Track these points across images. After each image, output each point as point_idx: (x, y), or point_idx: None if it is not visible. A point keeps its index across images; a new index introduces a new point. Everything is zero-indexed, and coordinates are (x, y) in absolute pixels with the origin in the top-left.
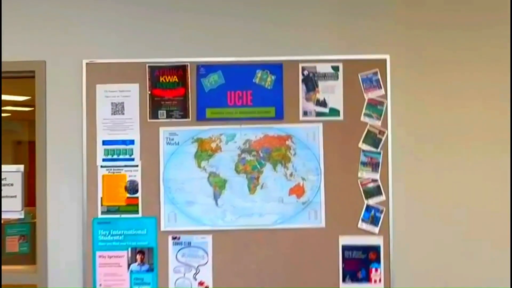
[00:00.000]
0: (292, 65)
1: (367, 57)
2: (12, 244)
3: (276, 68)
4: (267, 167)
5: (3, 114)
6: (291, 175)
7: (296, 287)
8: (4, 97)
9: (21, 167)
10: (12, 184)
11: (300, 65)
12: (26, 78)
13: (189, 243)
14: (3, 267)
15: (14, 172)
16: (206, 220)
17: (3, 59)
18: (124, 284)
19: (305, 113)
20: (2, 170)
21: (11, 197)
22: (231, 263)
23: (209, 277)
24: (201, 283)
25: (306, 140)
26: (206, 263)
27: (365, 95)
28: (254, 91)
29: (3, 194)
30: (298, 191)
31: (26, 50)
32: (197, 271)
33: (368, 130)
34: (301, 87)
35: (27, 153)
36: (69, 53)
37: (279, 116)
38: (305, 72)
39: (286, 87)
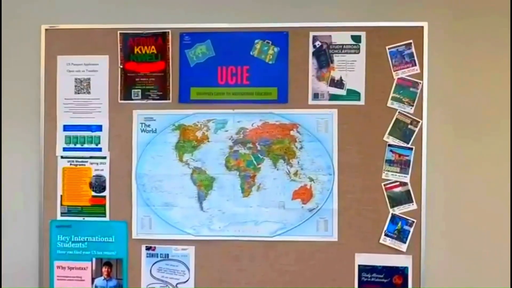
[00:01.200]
0: (300, 34)
1: (398, 25)
2: None
3: (279, 38)
4: (266, 164)
5: None
6: (295, 174)
7: None
8: None
9: None
10: None
11: (311, 34)
12: None
13: (167, 255)
14: None
15: None
16: (188, 228)
17: None
18: None
19: (315, 96)
20: None
21: None
22: (217, 282)
23: None
24: None
25: (316, 130)
26: (187, 280)
27: (394, 73)
28: (251, 66)
29: None
30: (304, 194)
31: None
32: None
33: (397, 119)
34: (311, 63)
35: None
36: (25, 16)
37: (282, 99)
38: (317, 43)
39: (292, 62)
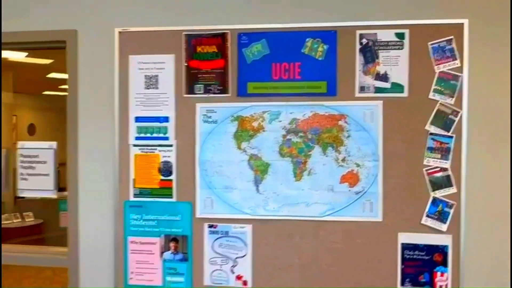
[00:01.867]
0: (348, 32)
1: (440, 22)
2: (66, 219)
3: (329, 36)
4: (316, 151)
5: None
6: (343, 160)
7: None
8: (59, 75)
9: (53, 144)
10: (45, 162)
11: (358, 32)
12: (57, 49)
13: (227, 233)
14: (37, 248)
15: (46, 149)
16: (246, 208)
17: (33, 28)
18: (157, 273)
19: (362, 89)
20: (35, 147)
21: (44, 175)
22: (272, 257)
23: (247, 271)
24: (239, 277)
25: (362, 120)
26: (245, 255)
27: (435, 67)
28: (302, 62)
29: (36, 171)
30: (351, 179)
31: (57, 19)
32: (235, 263)
33: (438, 110)
34: (358, 58)
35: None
36: (101, 21)
37: (331, 92)
38: (364, 41)
39: (340, 58)
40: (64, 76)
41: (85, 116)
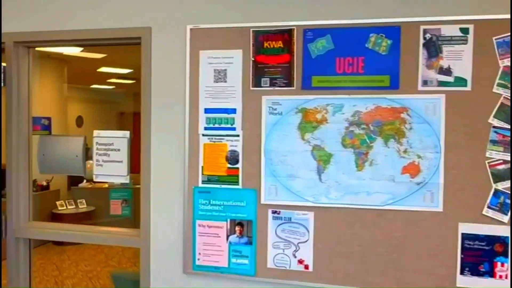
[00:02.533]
0: (412, 27)
1: (505, 17)
2: (116, 207)
3: (393, 32)
4: (378, 142)
5: (109, 87)
6: (405, 151)
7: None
8: (108, 69)
9: (127, 133)
10: (118, 150)
11: (422, 28)
12: (132, 45)
13: (290, 219)
14: (109, 229)
15: (120, 138)
16: (309, 196)
17: (110, 26)
18: (223, 255)
19: (425, 83)
20: (111, 135)
21: (118, 162)
22: (333, 243)
23: (309, 256)
24: (300, 261)
25: (424, 113)
26: (307, 240)
27: (500, 62)
28: (366, 57)
29: (111, 158)
30: (412, 169)
31: (132, 17)
32: (297, 248)
33: (502, 103)
34: (422, 53)
35: (131, 123)
36: (174, 18)
37: (394, 86)
38: (427, 36)
39: (404, 52)
40: (114, 70)
41: (157, 108)
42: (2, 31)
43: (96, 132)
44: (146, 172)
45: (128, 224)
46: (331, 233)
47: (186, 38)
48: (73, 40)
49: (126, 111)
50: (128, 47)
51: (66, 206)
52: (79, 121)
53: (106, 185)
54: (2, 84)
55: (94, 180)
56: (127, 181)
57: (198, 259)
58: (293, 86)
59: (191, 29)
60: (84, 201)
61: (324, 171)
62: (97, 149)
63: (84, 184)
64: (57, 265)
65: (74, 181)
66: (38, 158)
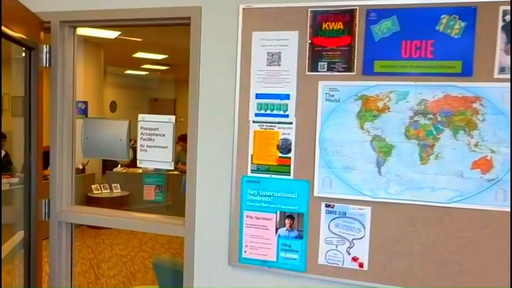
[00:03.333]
0: (489, 8)
1: None
2: (149, 193)
3: (467, 13)
4: (446, 134)
5: (143, 72)
6: (476, 145)
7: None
8: (144, 55)
9: (172, 118)
10: (163, 135)
11: (501, 8)
12: (181, 26)
13: (344, 213)
14: (153, 216)
15: (166, 122)
16: (366, 190)
17: (158, 5)
18: (271, 248)
19: (502, 70)
20: (156, 120)
21: (163, 147)
22: (391, 241)
23: (364, 253)
24: (354, 259)
25: (500, 103)
26: (362, 237)
27: None
28: (436, 40)
29: (156, 143)
30: (484, 165)
31: None
32: (351, 245)
33: None
34: (500, 37)
35: (164, 109)
36: None
37: (466, 72)
38: (507, 18)
39: (479, 36)
40: (150, 55)
41: (205, 91)
42: (48, 10)
43: (140, 116)
44: (192, 159)
45: (161, 209)
46: (390, 230)
47: (238, 18)
48: (119, 19)
49: (159, 97)
50: (164, 32)
51: (101, 190)
52: (113, 106)
53: (140, 171)
54: (47, 65)
55: (138, 165)
56: (172, 167)
57: (245, 252)
58: (353, 71)
59: (243, 8)
60: (118, 185)
61: (384, 163)
62: (142, 133)
63: (118, 168)
64: (92, 248)
65: (109, 165)
66: (82, 142)
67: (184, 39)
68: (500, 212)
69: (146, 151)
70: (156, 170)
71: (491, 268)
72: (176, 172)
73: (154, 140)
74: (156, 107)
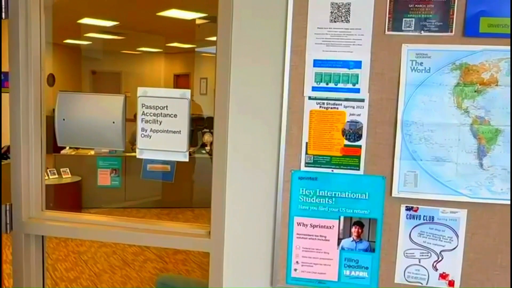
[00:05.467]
0: None
1: None
2: (104, 178)
3: None
4: None
5: (85, 42)
6: None
7: None
8: (89, 21)
9: (187, 92)
10: (175, 115)
11: None
12: None
13: (432, 218)
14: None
15: (178, 98)
16: (463, 188)
17: None
18: (331, 265)
19: None
20: (164, 95)
21: (174, 132)
22: (492, 252)
23: (456, 269)
24: (443, 276)
25: None
26: (455, 248)
27: None
28: None
29: (164, 127)
30: None
31: None
32: (440, 258)
33: None
34: None
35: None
36: None
37: None
38: None
39: None
40: (98, 22)
41: (240, 56)
42: None
43: (141, 90)
44: (220, 150)
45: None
46: (490, 239)
47: None
48: None
49: (102, 70)
50: None
51: (48, 175)
52: (50, 80)
53: (92, 152)
54: (3, 16)
55: (138, 156)
56: (186, 159)
57: (295, 270)
58: (451, 32)
59: None
60: (68, 170)
61: (487, 153)
62: (144, 113)
63: (67, 150)
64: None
65: (55, 146)
66: (56, 125)
67: (139, 3)
68: None
69: (150, 137)
70: (111, 152)
71: None
72: (133, 154)
73: (161, 122)
74: (96, 80)
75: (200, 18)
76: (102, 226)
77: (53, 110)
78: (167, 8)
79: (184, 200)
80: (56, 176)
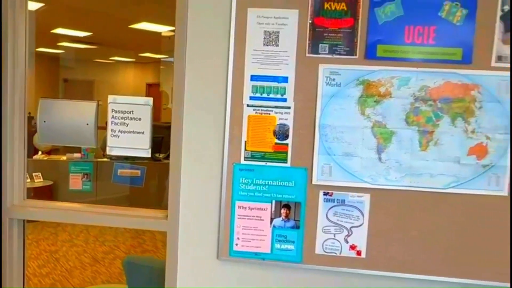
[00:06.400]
0: None
1: None
2: (76, 182)
3: (469, 1)
4: (445, 121)
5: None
6: (472, 132)
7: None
8: (62, 31)
9: (149, 100)
10: (140, 119)
11: None
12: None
13: (343, 201)
14: (130, 210)
15: (142, 105)
16: (366, 177)
17: None
18: (265, 240)
19: (499, 59)
20: (130, 102)
21: (139, 133)
22: (389, 228)
23: (362, 241)
24: (352, 247)
25: (497, 91)
26: (361, 225)
27: None
28: (438, 27)
29: (130, 128)
30: (479, 151)
31: None
32: (350, 233)
33: None
34: (498, 26)
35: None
36: None
37: (466, 60)
38: (506, 8)
39: (479, 24)
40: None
41: (193, 72)
42: None
43: (111, 98)
44: (176, 147)
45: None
46: (388, 217)
47: None
48: None
49: (74, 78)
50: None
51: None
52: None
53: (64, 158)
54: None
55: (108, 153)
56: (149, 155)
57: (236, 244)
58: (356, 55)
59: None
60: (40, 174)
61: (384, 150)
62: (113, 117)
63: (39, 156)
64: None
65: (28, 152)
66: (38, 126)
67: (112, 16)
68: (493, 197)
69: (118, 137)
70: (83, 157)
71: (486, 250)
72: (105, 159)
73: (128, 124)
74: (69, 89)
75: (169, 31)
76: (76, 211)
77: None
78: (139, 21)
79: (155, 204)
80: (28, 180)
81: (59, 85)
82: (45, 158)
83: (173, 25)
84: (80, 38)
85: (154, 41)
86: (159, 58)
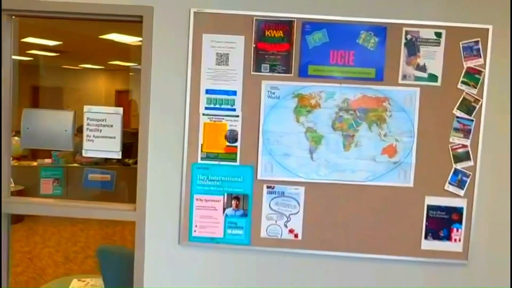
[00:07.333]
0: (396, 28)
1: (471, 26)
2: (47, 187)
3: (380, 31)
4: (363, 127)
5: (26, 58)
6: (385, 135)
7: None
8: (32, 40)
9: (119, 109)
10: (111, 126)
11: (404, 29)
12: (133, 23)
13: (283, 193)
14: (103, 203)
15: (113, 114)
16: (301, 173)
17: (110, 2)
18: (219, 226)
19: (404, 77)
20: (103, 111)
21: (110, 137)
22: (320, 214)
23: (299, 226)
24: (291, 231)
25: (402, 103)
26: (297, 212)
27: (464, 63)
28: (356, 51)
29: (103, 134)
30: (390, 151)
31: None
32: (288, 219)
33: (464, 98)
34: (403, 51)
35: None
36: (177, 1)
37: (379, 78)
38: (408, 37)
39: (388, 49)
40: (41, 41)
41: (157, 86)
42: None
43: (87, 108)
44: (143, 150)
45: None
46: (319, 206)
47: (190, 20)
48: (66, 12)
49: (42, 85)
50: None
51: None
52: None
53: (35, 164)
54: None
55: (84, 155)
56: (119, 157)
57: (195, 231)
58: (291, 73)
59: (195, 12)
60: (11, 179)
61: (315, 151)
62: (89, 124)
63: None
64: None
65: None
66: (21, 132)
67: (83, 26)
68: (401, 188)
69: (93, 141)
70: (54, 162)
71: (397, 232)
72: (75, 165)
73: (101, 130)
74: (37, 95)
75: (138, 41)
76: (53, 205)
77: None
78: (109, 32)
79: None
80: None
81: (27, 92)
82: (16, 164)
83: (141, 36)
84: (50, 46)
85: (123, 50)
86: (128, 66)
